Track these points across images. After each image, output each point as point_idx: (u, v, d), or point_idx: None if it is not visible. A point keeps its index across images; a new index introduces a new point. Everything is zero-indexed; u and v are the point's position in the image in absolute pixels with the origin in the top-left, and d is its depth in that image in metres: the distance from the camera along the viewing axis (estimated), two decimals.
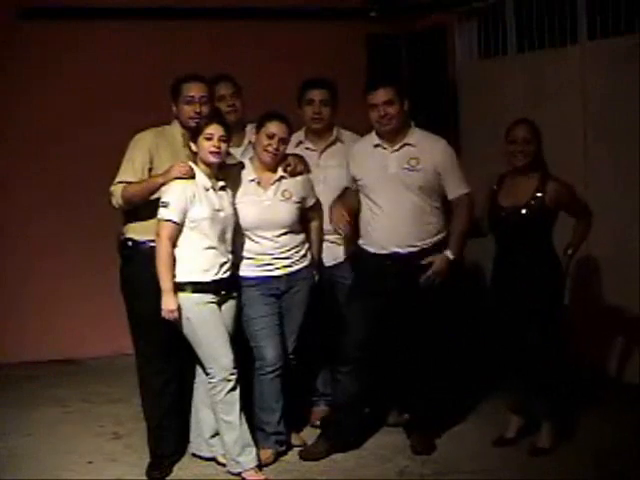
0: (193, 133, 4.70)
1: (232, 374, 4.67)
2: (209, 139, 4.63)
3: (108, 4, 6.98)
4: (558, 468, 4.76)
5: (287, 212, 4.90)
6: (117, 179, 4.78)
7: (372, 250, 4.97)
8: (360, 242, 5.06)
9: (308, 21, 7.37)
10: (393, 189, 4.88)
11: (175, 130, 4.88)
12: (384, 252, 4.91)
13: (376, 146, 4.98)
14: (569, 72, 6.30)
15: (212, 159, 4.65)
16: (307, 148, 5.29)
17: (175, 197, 4.59)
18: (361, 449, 5.12)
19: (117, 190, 4.76)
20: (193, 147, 4.69)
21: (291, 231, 4.93)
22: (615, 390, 5.89)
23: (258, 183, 4.90)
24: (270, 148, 4.83)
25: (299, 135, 5.31)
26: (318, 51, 7.23)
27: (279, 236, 4.89)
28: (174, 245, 4.61)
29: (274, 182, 4.90)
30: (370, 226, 4.98)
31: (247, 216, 4.85)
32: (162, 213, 4.59)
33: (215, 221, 4.66)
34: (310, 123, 5.29)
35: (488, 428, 5.21)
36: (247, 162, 4.98)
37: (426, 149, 4.92)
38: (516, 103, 6.60)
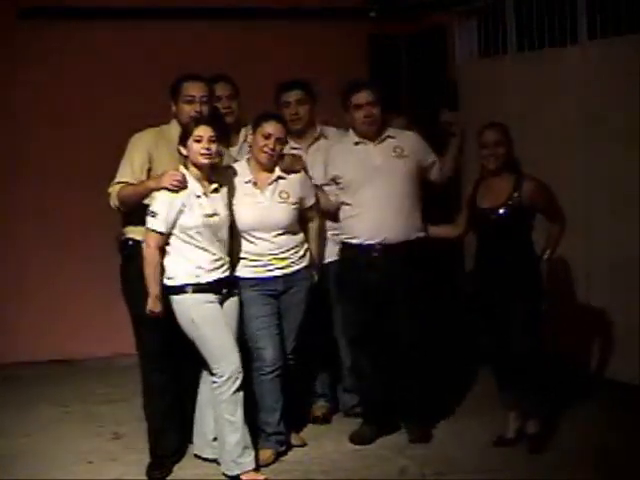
0: (182, 136, 4.68)
1: (240, 372, 4.66)
2: (198, 141, 4.61)
3: (108, 4, 6.97)
4: (557, 468, 4.76)
5: (284, 213, 4.89)
6: (115, 180, 4.79)
7: (358, 242, 5.04)
8: (343, 238, 5.14)
9: (308, 21, 7.37)
10: (380, 181, 5.01)
11: (174, 130, 4.86)
12: (371, 242, 5.01)
13: (357, 144, 5.11)
14: (569, 72, 6.29)
15: (203, 160, 4.62)
16: (293, 147, 5.31)
17: (164, 207, 4.58)
18: (361, 449, 5.13)
19: (114, 191, 4.76)
20: (183, 151, 4.66)
21: (289, 232, 4.92)
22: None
23: (254, 184, 4.89)
24: (267, 148, 4.83)
25: None
26: (318, 51, 7.23)
27: (276, 237, 4.88)
28: (163, 250, 4.63)
29: (271, 182, 4.89)
30: (355, 220, 5.05)
31: (243, 218, 4.85)
32: (150, 222, 4.60)
33: (208, 226, 4.64)
34: (290, 125, 5.31)
35: (488, 428, 5.20)
36: (244, 163, 4.97)
37: (405, 140, 5.15)
38: (516, 103, 6.60)
